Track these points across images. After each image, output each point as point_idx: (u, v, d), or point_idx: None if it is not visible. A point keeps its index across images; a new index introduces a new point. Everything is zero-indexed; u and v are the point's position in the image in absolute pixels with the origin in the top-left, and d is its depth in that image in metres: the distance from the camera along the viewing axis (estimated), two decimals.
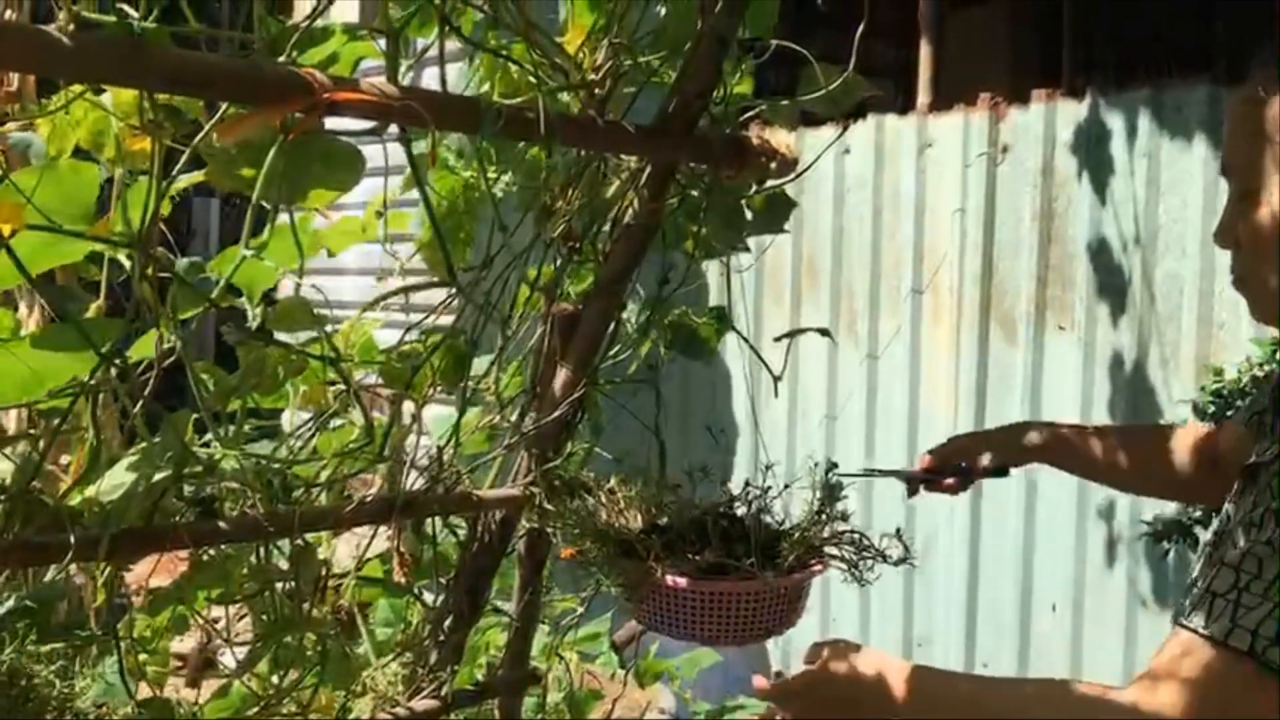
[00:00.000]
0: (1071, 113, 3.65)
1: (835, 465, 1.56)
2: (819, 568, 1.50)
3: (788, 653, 4.40)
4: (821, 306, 4.34)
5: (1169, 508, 3.04)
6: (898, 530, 1.51)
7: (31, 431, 1.52)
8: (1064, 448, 1.70)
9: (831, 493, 1.57)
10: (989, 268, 3.86)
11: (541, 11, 1.39)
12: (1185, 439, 1.61)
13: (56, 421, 1.24)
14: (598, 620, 2.91)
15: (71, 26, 0.94)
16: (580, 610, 1.78)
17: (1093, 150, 3.59)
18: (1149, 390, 3.47)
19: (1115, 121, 3.55)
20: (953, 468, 1.75)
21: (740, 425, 4.54)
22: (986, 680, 1.41)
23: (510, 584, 1.72)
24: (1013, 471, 1.74)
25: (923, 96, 4.21)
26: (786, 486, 1.60)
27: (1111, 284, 3.56)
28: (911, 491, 1.76)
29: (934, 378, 4.04)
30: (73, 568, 1.41)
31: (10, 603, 1.30)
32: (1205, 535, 1.34)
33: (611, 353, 1.63)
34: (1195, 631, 1.10)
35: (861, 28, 1.52)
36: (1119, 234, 3.54)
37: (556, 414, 1.56)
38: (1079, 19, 6.28)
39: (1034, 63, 6.29)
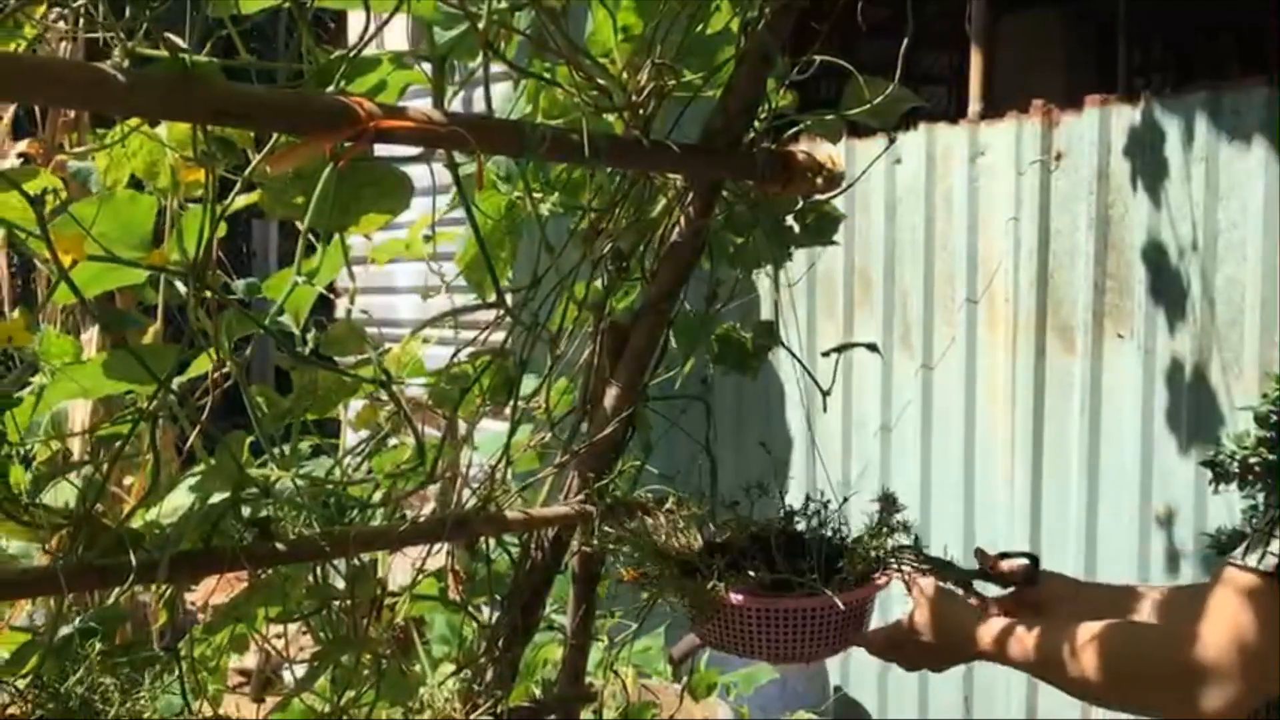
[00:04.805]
0: (1126, 117, 3.61)
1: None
2: (883, 582, 1.49)
3: (846, 669, 4.37)
4: (875, 317, 4.32)
5: (1234, 517, 2.98)
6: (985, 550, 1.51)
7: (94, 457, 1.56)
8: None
9: (891, 505, 1.56)
10: (1044, 276, 3.82)
11: (580, 31, 1.40)
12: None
13: (117, 445, 1.26)
14: (652, 634, 2.91)
15: (126, 62, 0.97)
16: (635, 625, 1.78)
17: (1149, 155, 3.55)
18: (1210, 398, 3.41)
19: (1171, 125, 3.50)
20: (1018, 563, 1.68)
21: (795, 438, 4.53)
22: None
23: (565, 596, 1.73)
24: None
25: (974, 104, 4.18)
26: (845, 500, 1.59)
27: (1170, 290, 3.51)
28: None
29: (991, 388, 4.00)
30: (137, 588, 1.44)
31: (76, 624, 1.33)
32: None
33: (660, 368, 1.64)
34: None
35: (907, 39, 1.52)
36: (1176, 240, 3.48)
37: (607, 431, 1.57)
38: (1135, 21, 6.20)
39: (1089, 66, 6.23)
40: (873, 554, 1.50)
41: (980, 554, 1.63)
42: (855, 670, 4.35)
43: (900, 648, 1.56)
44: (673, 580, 1.46)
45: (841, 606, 1.41)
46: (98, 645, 1.29)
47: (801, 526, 1.57)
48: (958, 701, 4.07)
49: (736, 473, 1.63)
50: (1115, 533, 3.64)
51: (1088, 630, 1.37)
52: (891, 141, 3.91)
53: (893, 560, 1.52)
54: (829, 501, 1.58)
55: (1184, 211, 3.46)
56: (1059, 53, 6.32)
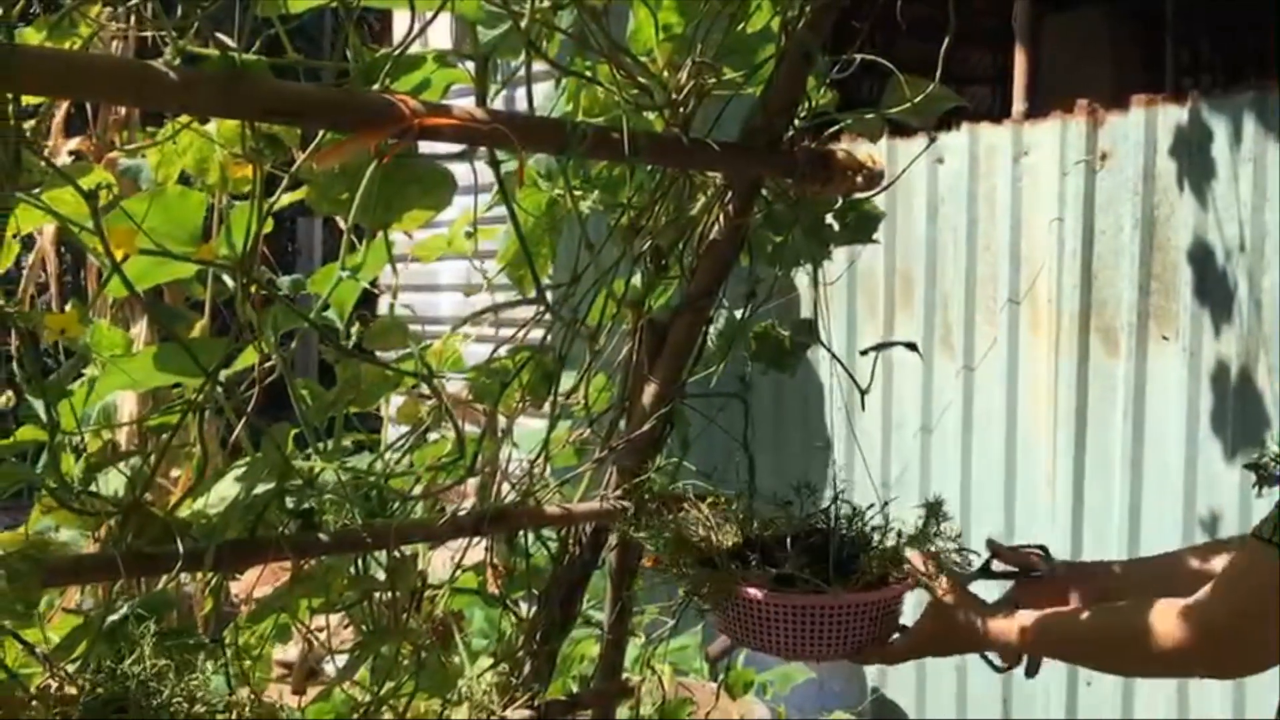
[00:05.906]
0: (1173, 117, 3.57)
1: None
2: (904, 586, 1.47)
3: (883, 670, 4.35)
4: (916, 318, 4.30)
5: None
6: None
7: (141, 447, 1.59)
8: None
9: (935, 512, 1.54)
10: (1088, 277, 3.79)
11: (621, 29, 1.41)
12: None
13: (165, 436, 1.29)
14: (690, 632, 2.92)
15: (177, 60, 0.99)
16: (672, 622, 1.79)
17: (1196, 155, 3.51)
18: (1256, 401, 3.37)
19: (1219, 126, 3.46)
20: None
21: (833, 438, 4.51)
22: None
23: (602, 592, 1.74)
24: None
25: (1018, 103, 4.15)
26: (884, 505, 1.58)
27: (1217, 292, 3.47)
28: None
29: (1033, 390, 3.97)
30: (183, 576, 1.47)
31: (123, 610, 1.36)
32: None
33: (698, 366, 1.65)
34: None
35: (949, 38, 1.51)
36: (1223, 241, 3.45)
37: (645, 428, 1.58)
38: (1182, 20, 6.13)
39: (1136, 65, 6.16)
40: (888, 556, 1.48)
41: (990, 544, 1.64)
42: (892, 671, 4.33)
43: (921, 648, 1.56)
44: (688, 569, 1.46)
45: (851, 606, 1.39)
46: (148, 630, 1.31)
47: (823, 526, 1.56)
48: (996, 703, 4.05)
49: (775, 471, 1.63)
50: (1159, 536, 3.60)
51: (1122, 613, 1.38)
52: (931, 141, 3.89)
53: (918, 554, 1.50)
54: (841, 495, 1.57)
55: (1231, 212, 3.42)
56: (1105, 52, 6.25)
